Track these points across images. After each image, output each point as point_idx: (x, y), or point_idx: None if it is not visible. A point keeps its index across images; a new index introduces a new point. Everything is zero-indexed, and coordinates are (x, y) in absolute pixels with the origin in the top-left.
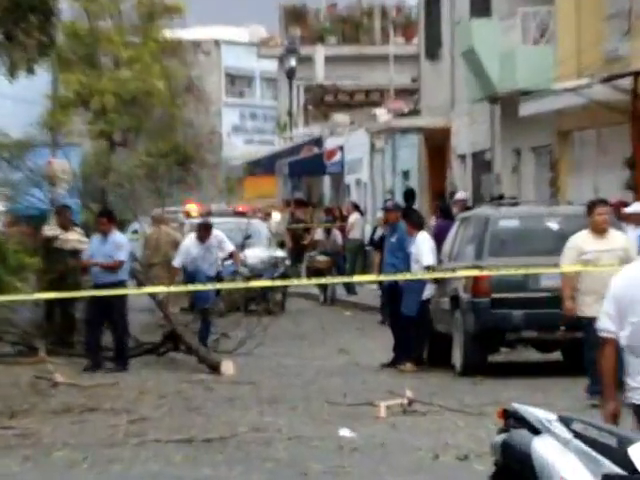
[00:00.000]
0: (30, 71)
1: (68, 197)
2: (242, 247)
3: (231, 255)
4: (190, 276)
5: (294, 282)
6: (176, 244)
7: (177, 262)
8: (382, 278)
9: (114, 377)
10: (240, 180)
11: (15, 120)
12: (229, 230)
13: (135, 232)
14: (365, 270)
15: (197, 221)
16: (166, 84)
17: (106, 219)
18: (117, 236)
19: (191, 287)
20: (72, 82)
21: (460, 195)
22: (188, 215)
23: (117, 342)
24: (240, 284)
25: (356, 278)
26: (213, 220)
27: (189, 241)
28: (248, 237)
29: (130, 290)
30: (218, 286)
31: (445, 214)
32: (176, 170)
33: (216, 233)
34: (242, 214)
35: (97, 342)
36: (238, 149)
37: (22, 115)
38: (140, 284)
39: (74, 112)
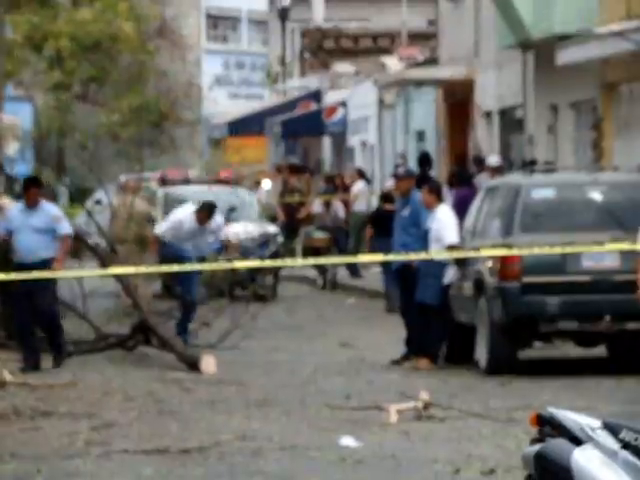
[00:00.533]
0: None
1: (18, 161)
2: (226, 222)
3: (223, 241)
4: (170, 253)
5: (287, 263)
6: (149, 219)
7: (162, 229)
8: (392, 257)
9: (72, 376)
10: (223, 142)
11: None
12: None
13: (98, 203)
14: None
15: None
16: (135, 26)
17: (37, 188)
18: (49, 206)
19: (166, 268)
20: (21, 23)
21: (493, 160)
22: (163, 182)
23: (47, 335)
24: (224, 264)
25: (361, 258)
26: (191, 189)
27: (185, 215)
28: (233, 210)
29: (93, 272)
30: (198, 267)
31: (462, 181)
32: (147, 130)
33: (216, 217)
34: (225, 182)
35: (29, 334)
36: (221, 105)
37: None
38: (104, 264)
39: (24, 59)
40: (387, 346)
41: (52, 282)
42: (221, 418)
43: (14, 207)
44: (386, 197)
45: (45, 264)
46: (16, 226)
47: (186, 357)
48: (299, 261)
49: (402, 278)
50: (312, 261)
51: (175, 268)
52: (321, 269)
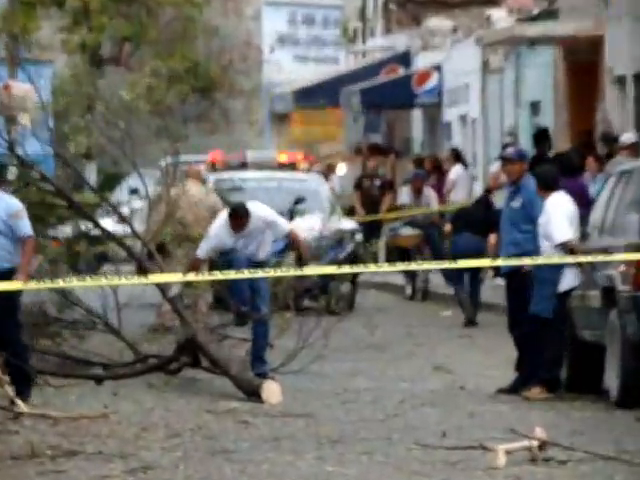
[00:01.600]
0: None
1: (34, 139)
2: (291, 216)
3: (288, 238)
4: (225, 262)
5: (369, 269)
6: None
7: (202, 252)
8: (502, 262)
9: (103, 406)
10: (288, 116)
11: None
12: (271, 191)
13: (134, 192)
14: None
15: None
16: None
17: None
18: (7, 198)
19: (219, 276)
20: None
21: (628, 138)
22: (213, 167)
23: (11, 360)
24: (289, 271)
25: (461, 263)
26: (248, 176)
27: (221, 226)
28: (300, 201)
29: (131, 280)
30: (258, 275)
31: (567, 168)
32: (194, 102)
33: (259, 215)
34: (291, 166)
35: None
36: (285, 70)
37: None
38: (143, 271)
39: (43, 14)
40: (493, 370)
41: (14, 299)
42: (287, 459)
43: None
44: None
45: (6, 276)
46: None
47: (244, 383)
48: (384, 266)
49: (511, 286)
50: (399, 267)
51: (232, 275)
52: (409, 274)
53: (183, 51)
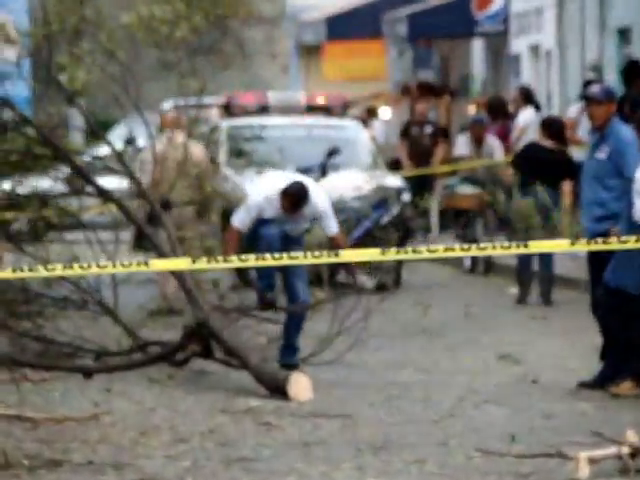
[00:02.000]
0: None
1: (15, 77)
2: (323, 170)
3: (332, 241)
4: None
5: (420, 254)
6: (204, 170)
7: (241, 223)
8: (582, 247)
9: (94, 405)
10: (319, 49)
11: None
12: (299, 140)
13: (130, 143)
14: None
15: (280, 180)
16: None
17: None
18: None
19: (237, 262)
20: None
21: None
22: (227, 111)
23: None
24: (323, 256)
25: (534, 246)
26: (270, 122)
27: (265, 198)
28: (334, 152)
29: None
30: (285, 261)
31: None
32: (205, 30)
33: (316, 203)
34: (323, 110)
35: None
36: None
37: None
38: (143, 240)
39: None
40: (572, 360)
41: None
42: (319, 469)
43: None
44: (549, 126)
45: None
46: None
47: (266, 377)
48: (439, 249)
49: (595, 255)
50: (458, 250)
51: (252, 262)
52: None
53: None
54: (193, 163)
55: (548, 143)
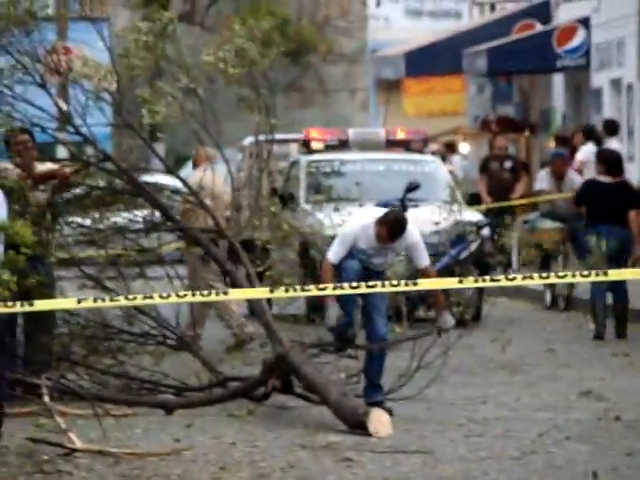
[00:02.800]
0: None
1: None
2: (403, 205)
3: (423, 273)
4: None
5: (498, 281)
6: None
7: (335, 256)
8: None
9: (174, 440)
10: (399, 84)
11: None
12: (378, 175)
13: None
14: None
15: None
16: None
17: None
18: None
19: (315, 291)
20: None
21: None
22: (307, 147)
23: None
24: (403, 285)
25: (613, 274)
26: (350, 158)
27: (359, 227)
28: (414, 187)
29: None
30: (362, 290)
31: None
32: (283, 67)
33: (410, 236)
34: (403, 145)
35: None
36: (395, 28)
37: None
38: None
39: None
40: None
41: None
42: None
43: None
44: (604, 161)
45: None
46: None
47: (346, 412)
48: (517, 278)
49: None
50: (537, 279)
51: (330, 291)
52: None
53: (269, 6)
54: (214, 195)
55: (606, 178)
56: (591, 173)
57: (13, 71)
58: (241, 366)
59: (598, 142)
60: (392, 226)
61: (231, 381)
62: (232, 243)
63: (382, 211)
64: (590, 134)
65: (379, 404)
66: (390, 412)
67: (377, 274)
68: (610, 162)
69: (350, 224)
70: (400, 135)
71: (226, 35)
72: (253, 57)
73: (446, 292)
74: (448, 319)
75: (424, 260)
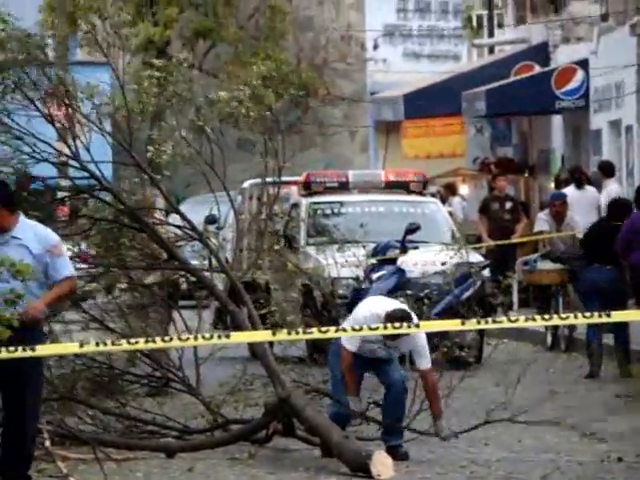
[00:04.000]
0: None
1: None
2: (403, 247)
3: (422, 376)
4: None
5: (500, 323)
6: None
7: (352, 345)
8: None
9: None
10: (398, 126)
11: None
12: (378, 216)
13: (212, 222)
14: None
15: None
16: None
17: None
18: (42, 228)
19: (318, 334)
20: None
21: None
22: (307, 189)
23: (20, 446)
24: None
25: (616, 316)
26: (351, 200)
27: (369, 314)
28: (414, 229)
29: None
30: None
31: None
32: (282, 110)
33: (416, 334)
34: (402, 187)
35: None
36: (394, 70)
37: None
38: (225, 316)
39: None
40: None
41: (41, 363)
42: None
43: None
44: (613, 208)
45: (41, 329)
46: None
47: (349, 455)
48: (520, 319)
49: None
50: (539, 320)
51: (331, 333)
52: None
53: (270, 49)
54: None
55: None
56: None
57: (20, 105)
58: (243, 408)
59: (579, 184)
60: (398, 317)
61: (233, 424)
62: (235, 283)
63: (392, 303)
64: (611, 172)
65: (397, 448)
66: (407, 456)
67: (384, 362)
68: (618, 210)
69: (361, 310)
70: (399, 177)
71: (238, 77)
72: (268, 99)
73: (446, 337)
74: (444, 427)
75: (425, 363)
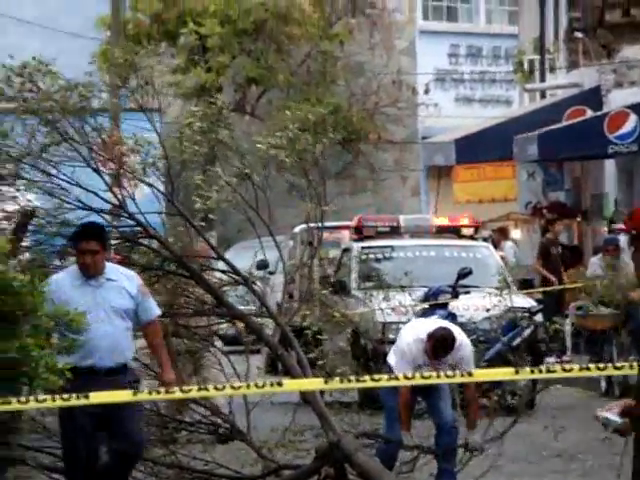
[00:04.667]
0: None
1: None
2: (455, 292)
3: (465, 388)
4: None
5: (555, 373)
6: None
7: (393, 363)
8: None
9: None
10: (449, 171)
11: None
12: (429, 261)
13: (263, 267)
14: None
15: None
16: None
17: (100, 243)
18: (125, 270)
19: (370, 383)
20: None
21: None
22: (358, 233)
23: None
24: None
25: None
26: (402, 244)
27: (413, 340)
28: (466, 274)
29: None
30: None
31: None
32: (334, 155)
33: (461, 352)
34: (453, 232)
35: None
36: (445, 114)
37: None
38: (276, 361)
39: (151, 51)
40: None
41: (141, 409)
42: None
43: (60, 276)
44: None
45: (130, 372)
46: (73, 306)
47: None
48: (574, 369)
49: None
50: (594, 370)
51: (384, 382)
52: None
53: (321, 94)
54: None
55: None
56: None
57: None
58: (294, 453)
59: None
60: (439, 343)
61: (284, 469)
62: (282, 328)
63: (433, 323)
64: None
65: None
66: None
67: (434, 388)
68: None
69: (405, 337)
70: (451, 222)
71: (277, 122)
72: (305, 144)
73: (499, 383)
74: (476, 441)
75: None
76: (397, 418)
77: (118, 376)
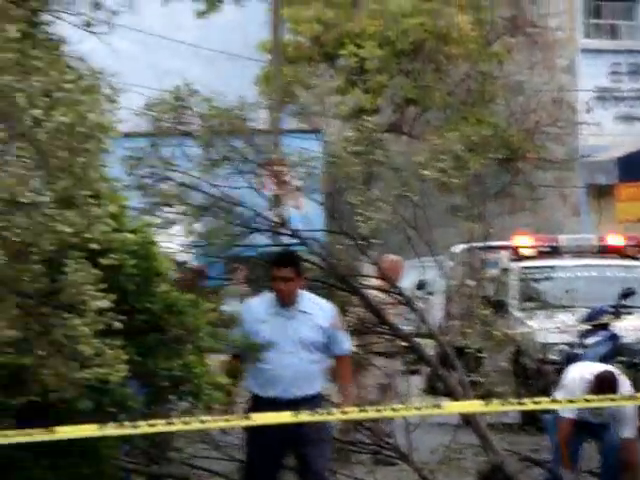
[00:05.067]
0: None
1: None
2: (617, 312)
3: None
4: None
5: None
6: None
7: (569, 413)
8: None
9: None
10: (611, 190)
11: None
12: (591, 281)
13: (421, 287)
14: None
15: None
16: (474, 18)
17: (294, 270)
18: (318, 299)
19: (531, 405)
20: (305, 21)
21: None
22: (517, 254)
23: None
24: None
25: None
26: (563, 265)
27: (579, 377)
28: (629, 294)
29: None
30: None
31: None
32: (492, 174)
33: (622, 388)
34: (615, 251)
35: None
36: (607, 133)
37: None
38: (436, 381)
39: (308, 72)
40: None
41: (328, 433)
42: None
43: (256, 302)
44: None
45: (316, 403)
46: (263, 334)
47: None
48: None
49: None
50: None
51: (545, 404)
52: None
53: (479, 114)
54: None
55: None
56: None
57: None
58: (456, 475)
59: None
60: (603, 384)
61: None
62: (445, 349)
63: (601, 367)
64: None
65: None
66: None
67: (599, 428)
68: None
69: (571, 374)
70: (613, 241)
71: (436, 143)
72: (472, 165)
73: None
74: None
75: (627, 432)
76: (560, 458)
77: (299, 407)
